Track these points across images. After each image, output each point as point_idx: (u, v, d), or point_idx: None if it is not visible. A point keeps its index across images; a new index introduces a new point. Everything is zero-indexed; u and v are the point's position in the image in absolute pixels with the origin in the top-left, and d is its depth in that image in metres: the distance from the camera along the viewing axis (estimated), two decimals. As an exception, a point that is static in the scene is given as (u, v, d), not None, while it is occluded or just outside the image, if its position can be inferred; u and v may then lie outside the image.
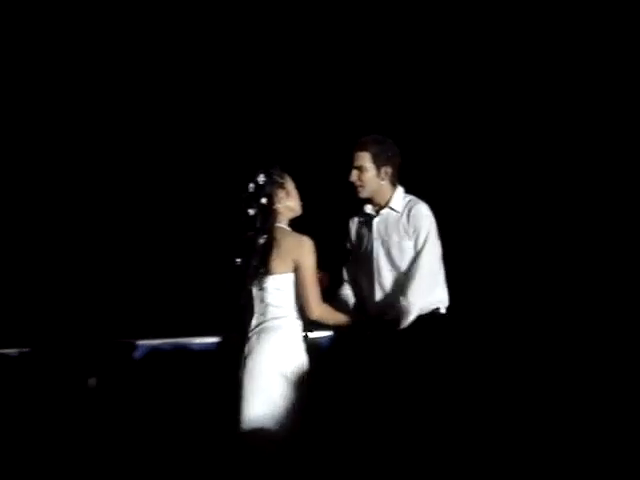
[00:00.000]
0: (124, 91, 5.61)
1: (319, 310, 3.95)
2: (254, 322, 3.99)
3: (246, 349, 3.95)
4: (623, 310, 5.27)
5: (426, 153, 5.55)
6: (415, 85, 5.71)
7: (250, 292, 4.02)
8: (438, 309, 4.33)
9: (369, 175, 4.37)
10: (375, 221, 4.42)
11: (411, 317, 4.20)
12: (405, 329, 4.22)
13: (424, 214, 4.32)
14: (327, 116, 5.82)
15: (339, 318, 4.09)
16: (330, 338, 5.03)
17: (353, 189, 4.38)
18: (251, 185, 4.05)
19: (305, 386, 3.88)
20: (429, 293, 4.26)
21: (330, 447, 4.30)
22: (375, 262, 4.36)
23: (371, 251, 4.39)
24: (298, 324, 4.00)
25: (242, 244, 4.02)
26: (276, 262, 3.95)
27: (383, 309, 4.30)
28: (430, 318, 4.26)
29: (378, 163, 4.36)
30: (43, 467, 4.85)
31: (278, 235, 3.99)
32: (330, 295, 4.21)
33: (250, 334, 3.97)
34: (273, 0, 5.60)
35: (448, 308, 4.39)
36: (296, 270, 3.93)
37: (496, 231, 5.62)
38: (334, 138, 5.46)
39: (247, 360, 3.90)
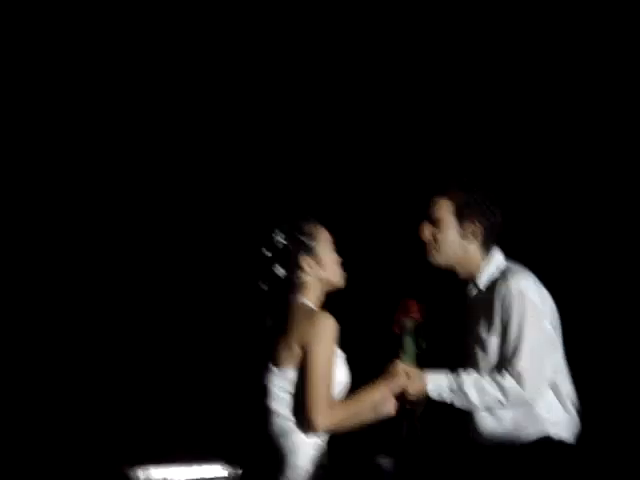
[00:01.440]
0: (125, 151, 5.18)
1: (325, 421, 2.83)
2: (257, 438, 3.01)
3: None
4: None
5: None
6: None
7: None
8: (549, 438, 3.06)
9: (449, 234, 3.22)
10: (467, 304, 3.30)
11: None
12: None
13: (514, 294, 3.06)
14: (390, 147, 4.90)
15: (361, 416, 2.96)
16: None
17: (424, 251, 3.27)
18: (268, 246, 3.05)
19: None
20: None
21: None
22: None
23: (456, 353, 3.29)
24: (312, 443, 2.89)
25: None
26: (283, 351, 2.91)
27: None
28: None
29: (464, 218, 3.20)
30: None
31: (293, 313, 2.96)
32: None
33: None
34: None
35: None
36: (303, 360, 2.86)
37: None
38: (397, 177, 4.69)
39: None
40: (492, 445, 3.10)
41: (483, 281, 3.19)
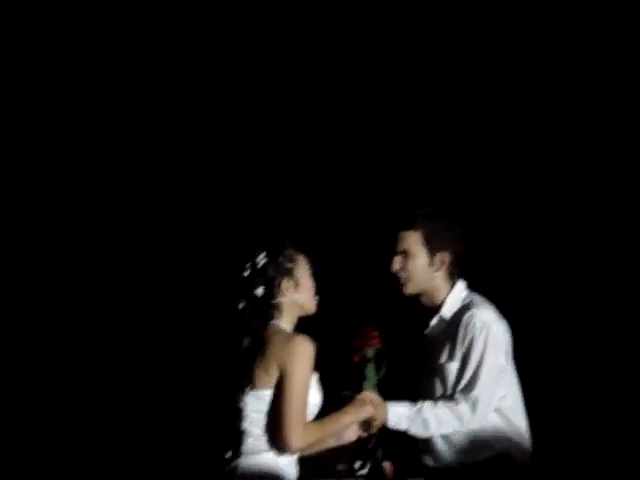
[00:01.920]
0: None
1: (299, 441, 2.87)
2: (227, 456, 2.98)
3: None
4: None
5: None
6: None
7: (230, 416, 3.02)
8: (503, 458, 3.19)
9: (418, 263, 3.29)
10: (427, 333, 3.37)
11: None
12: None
13: (478, 325, 3.18)
14: (365, 176, 4.99)
15: (327, 441, 3.08)
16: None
17: (396, 282, 3.34)
18: (247, 267, 3.05)
19: None
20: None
21: None
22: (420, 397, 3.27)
23: (415, 381, 3.36)
24: (285, 463, 2.93)
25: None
26: (259, 372, 2.93)
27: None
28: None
29: (432, 247, 3.29)
30: None
31: (268, 335, 2.98)
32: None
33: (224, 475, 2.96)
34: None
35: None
36: (279, 381, 2.89)
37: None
38: (370, 205, 4.78)
39: None
40: (445, 469, 3.21)
41: (447, 310, 3.28)
